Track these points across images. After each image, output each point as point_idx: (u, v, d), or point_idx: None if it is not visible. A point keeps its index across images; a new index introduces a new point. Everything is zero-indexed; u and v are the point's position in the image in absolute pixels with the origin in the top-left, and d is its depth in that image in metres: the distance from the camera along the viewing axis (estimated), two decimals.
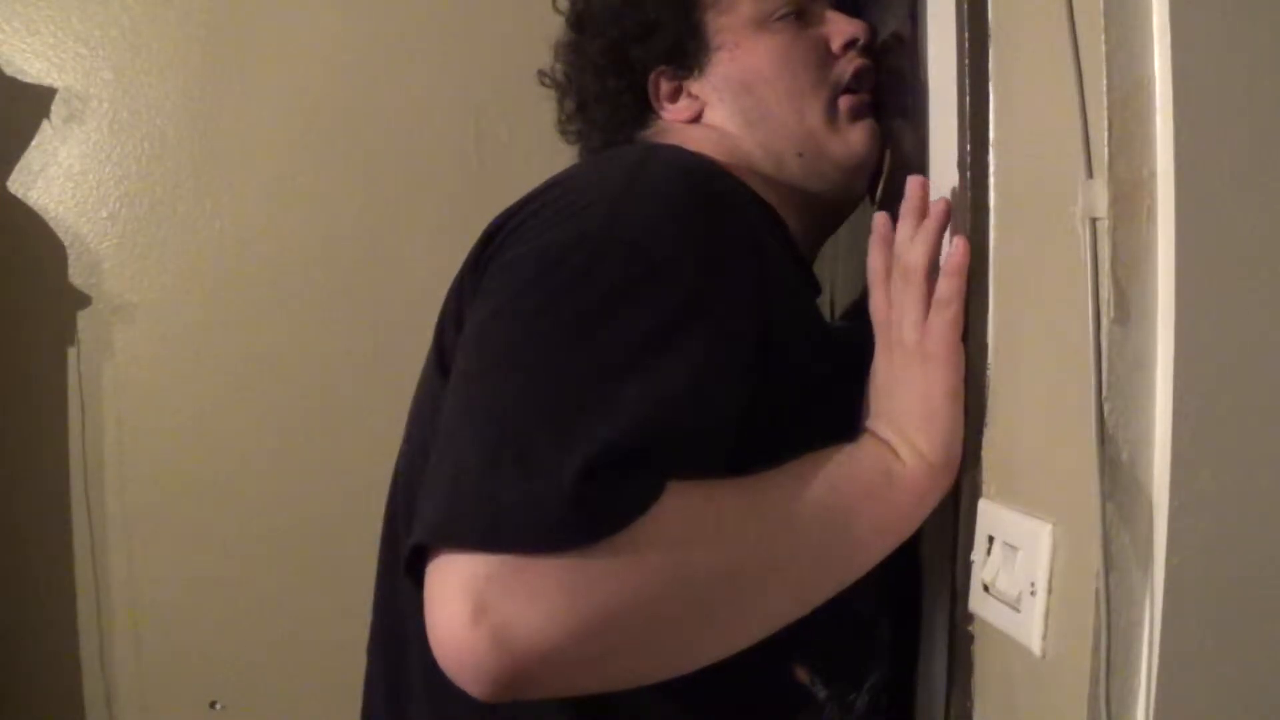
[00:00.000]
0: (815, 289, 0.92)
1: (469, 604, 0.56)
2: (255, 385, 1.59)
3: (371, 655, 0.83)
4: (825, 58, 0.92)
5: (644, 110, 0.94)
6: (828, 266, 1.12)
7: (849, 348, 0.84)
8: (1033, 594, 0.64)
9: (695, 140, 0.88)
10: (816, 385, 0.77)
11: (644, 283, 0.65)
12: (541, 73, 1.01)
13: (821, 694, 0.76)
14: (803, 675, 0.75)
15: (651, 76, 0.92)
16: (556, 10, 0.99)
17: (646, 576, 0.59)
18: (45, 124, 1.57)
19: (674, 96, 0.93)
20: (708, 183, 0.75)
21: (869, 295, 0.80)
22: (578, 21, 0.97)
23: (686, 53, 0.91)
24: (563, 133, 1.01)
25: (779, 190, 0.88)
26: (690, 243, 0.69)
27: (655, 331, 0.64)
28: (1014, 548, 0.66)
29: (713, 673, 0.65)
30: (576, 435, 0.59)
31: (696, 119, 0.92)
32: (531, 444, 0.59)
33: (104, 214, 1.59)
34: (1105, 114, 0.57)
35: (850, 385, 0.80)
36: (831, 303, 1.15)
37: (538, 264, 0.68)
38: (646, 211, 0.70)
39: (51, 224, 1.58)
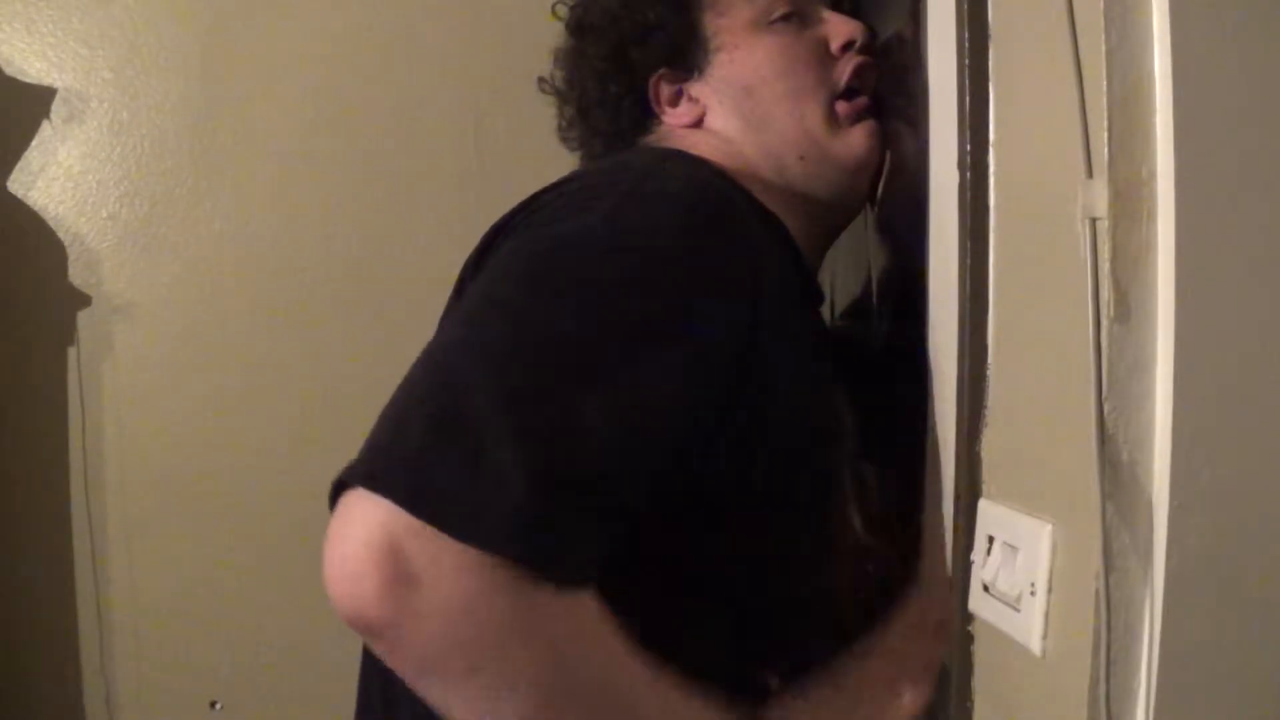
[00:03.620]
0: (819, 297, 0.92)
1: (385, 541, 0.56)
2: (255, 385, 1.59)
3: (366, 652, 0.83)
4: (824, 58, 0.92)
5: (645, 115, 0.93)
6: (828, 266, 1.12)
7: (847, 351, 0.84)
8: (1033, 594, 0.64)
9: (697, 145, 0.88)
10: (808, 415, 0.77)
11: (627, 289, 0.66)
12: (542, 79, 1.01)
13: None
14: (774, 682, 0.75)
15: (652, 80, 0.92)
16: (556, 16, 0.99)
17: (533, 648, 0.60)
18: (45, 124, 1.57)
19: (674, 100, 0.92)
20: (715, 200, 0.75)
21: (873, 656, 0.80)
22: (577, 27, 0.97)
23: (686, 55, 0.91)
24: (563, 139, 1.00)
25: (781, 195, 0.88)
26: (684, 257, 0.69)
27: (628, 341, 0.64)
28: (1014, 548, 0.66)
29: (685, 677, 0.65)
30: (531, 438, 0.59)
31: (698, 123, 0.91)
32: (482, 429, 0.59)
33: (104, 214, 1.59)
34: (1105, 114, 0.57)
35: (846, 399, 0.81)
36: (831, 303, 1.15)
37: (531, 254, 0.68)
38: (647, 219, 0.70)
39: (51, 224, 1.58)
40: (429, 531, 0.57)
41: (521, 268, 0.68)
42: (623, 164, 0.80)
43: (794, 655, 0.77)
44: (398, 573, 0.56)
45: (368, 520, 0.57)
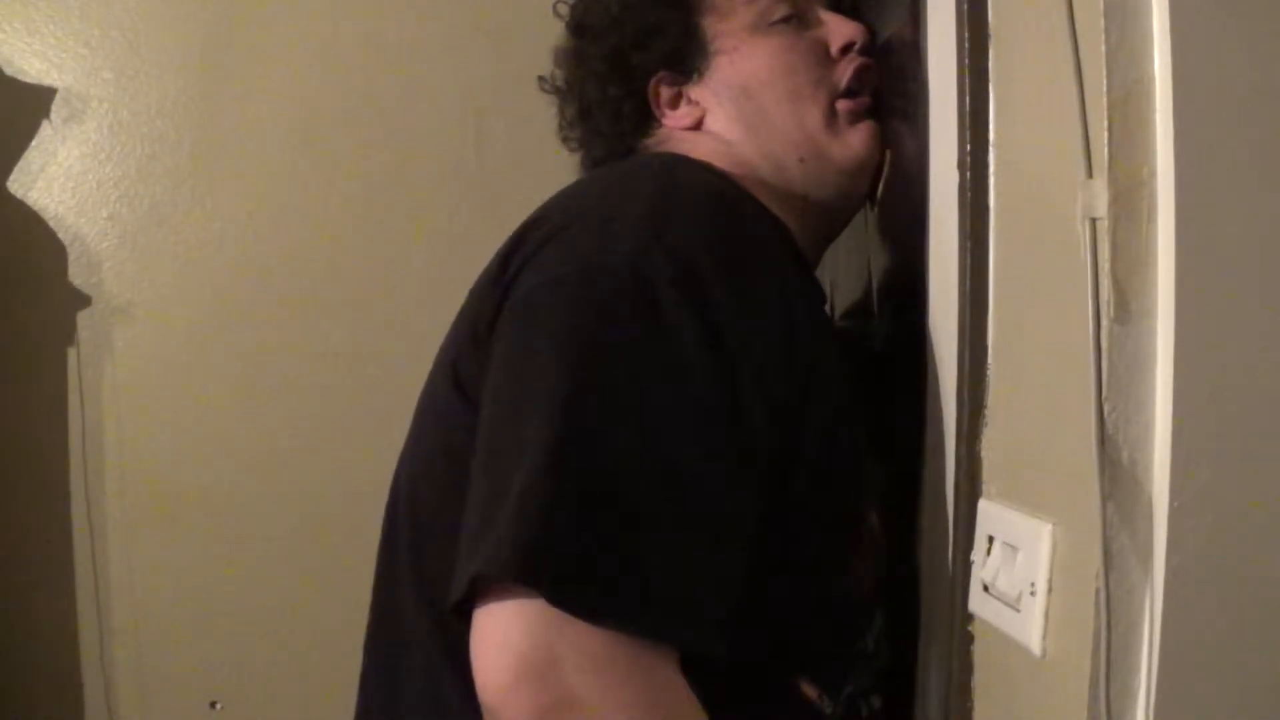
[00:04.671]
0: (822, 297, 0.92)
1: (545, 654, 0.56)
2: (255, 385, 1.59)
3: (368, 653, 0.83)
4: (824, 60, 0.91)
5: (645, 117, 0.93)
6: (828, 266, 1.12)
7: (848, 351, 0.84)
8: (1033, 594, 0.64)
9: (697, 149, 0.88)
10: (836, 416, 0.77)
11: (688, 333, 0.66)
12: (542, 79, 1.01)
13: (828, 708, 0.76)
14: (810, 691, 0.75)
15: (652, 83, 0.92)
16: (557, 15, 0.99)
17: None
18: (45, 124, 1.57)
19: (674, 103, 0.92)
20: (735, 214, 0.76)
21: None
22: (578, 28, 0.96)
23: (686, 58, 0.91)
24: (564, 140, 1.00)
25: (781, 197, 0.88)
26: (727, 280, 0.69)
27: (716, 395, 0.65)
28: (1014, 548, 0.66)
29: (730, 700, 0.65)
30: (683, 520, 0.61)
31: (697, 126, 0.91)
32: (632, 518, 0.60)
33: (104, 214, 1.59)
34: (1105, 114, 0.57)
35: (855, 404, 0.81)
36: (831, 303, 1.15)
37: (564, 299, 0.68)
38: (678, 244, 0.69)
39: (51, 224, 1.58)
40: (591, 639, 0.57)
41: (571, 324, 0.67)
42: (634, 183, 0.79)
43: (823, 660, 0.77)
44: (560, 695, 0.56)
45: (523, 626, 0.57)
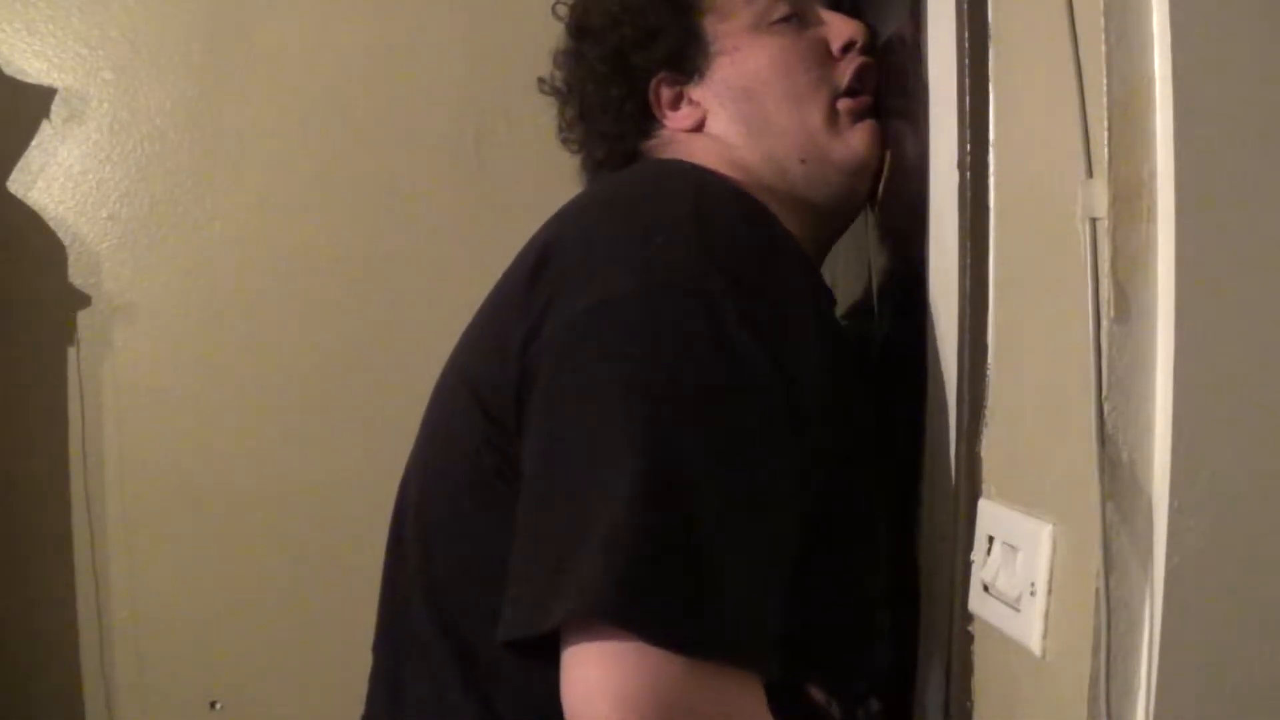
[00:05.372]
0: (832, 300, 0.92)
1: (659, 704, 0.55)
2: (255, 385, 1.59)
3: (377, 654, 0.83)
4: (825, 60, 0.91)
5: (646, 119, 0.93)
6: (828, 266, 1.12)
7: (861, 357, 0.85)
8: (1033, 594, 0.64)
9: (699, 152, 0.88)
10: (854, 419, 0.77)
11: (737, 356, 0.65)
12: (542, 80, 1.01)
13: (837, 714, 0.76)
14: (819, 696, 0.75)
15: (652, 84, 0.92)
16: (556, 17, 0.99)
17: None
18: (45, 124, 1.57)
19: (675, 104, 0.92)
20: (762, 224, 0.76)
21: None
22: (578, 29, 0.96)
23: (686, 58, 0.91)
24: (564, 141, 1.00)
25: (784, 200, 0.88)
26: (768, 301, 0.69)
27: (765, 415, 0.65)
28: (1014, 548, 0.66)
29: None
30: (751, 549, 0.61)
31: (699, 127, 0.91)
32: (712, 554, 0.59)
33: (104, 214, 1.59)
34: (1105, 114, 0.57)
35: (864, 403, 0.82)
36: None
37: (626, 323, 0.66)
38: (728, 260, 0.69)
39: (51, 224, 1.58)
40: (705, 678, 0.57)
41: (639, 349, 0.64)
42: (655, 189, 0.78)
43: (833, 665, 0.77)
44: None
45: (643, 677, 0.55)
